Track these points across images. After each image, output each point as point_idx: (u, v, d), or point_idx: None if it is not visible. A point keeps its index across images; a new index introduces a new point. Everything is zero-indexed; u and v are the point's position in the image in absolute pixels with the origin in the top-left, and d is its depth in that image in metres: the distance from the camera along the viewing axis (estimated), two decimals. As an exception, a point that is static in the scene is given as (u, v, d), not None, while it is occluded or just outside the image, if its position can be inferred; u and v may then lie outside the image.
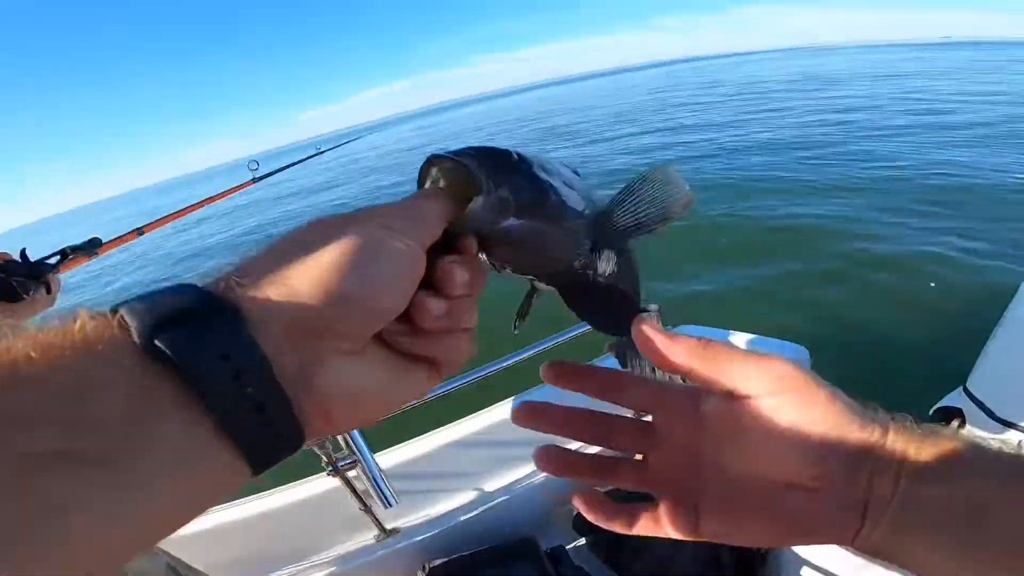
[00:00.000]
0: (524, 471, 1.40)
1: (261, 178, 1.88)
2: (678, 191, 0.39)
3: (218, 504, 0.27)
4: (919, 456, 0.31)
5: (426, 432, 1.45)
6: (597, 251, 0.39)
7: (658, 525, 0.36)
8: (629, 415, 0.39)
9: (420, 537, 1.26)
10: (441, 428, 1.45)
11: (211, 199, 1.75)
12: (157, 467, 0.22)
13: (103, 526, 0.20)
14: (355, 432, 1.13)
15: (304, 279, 0.26)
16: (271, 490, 1.30)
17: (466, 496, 1.36)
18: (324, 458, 1.07)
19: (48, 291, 0.94)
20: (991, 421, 1.39)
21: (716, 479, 0.35)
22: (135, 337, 0.22)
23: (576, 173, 0.39)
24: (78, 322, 0.22)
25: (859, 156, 8.01)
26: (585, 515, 0.37)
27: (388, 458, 1.38)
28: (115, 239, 1.39)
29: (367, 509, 1.17)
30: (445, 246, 0.33)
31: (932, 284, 4.03)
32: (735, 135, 11.30)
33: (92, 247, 1.20)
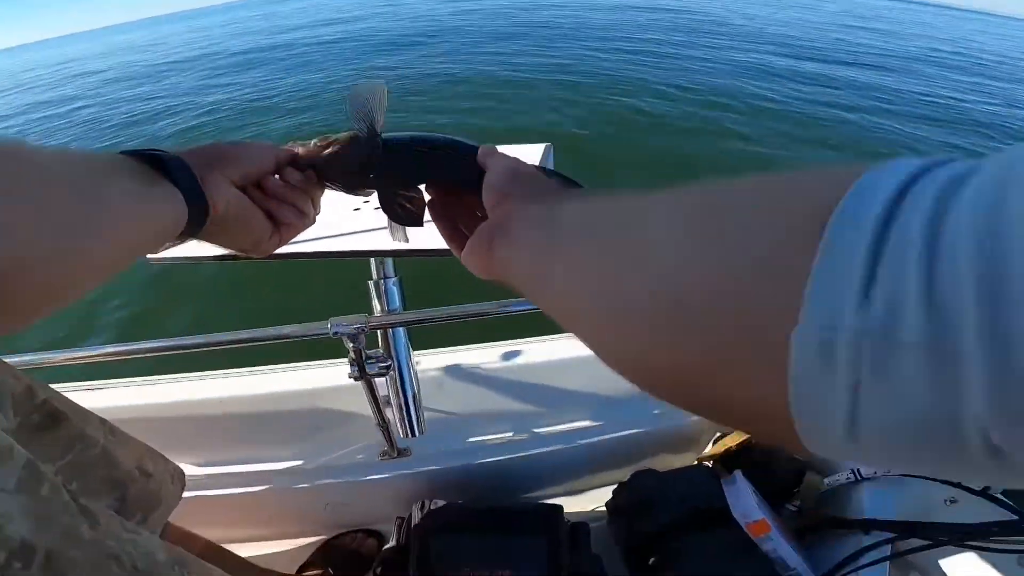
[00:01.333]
0: (575, 426, 1.17)
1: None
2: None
3: (170, 240, 0.50)
4: (545, 194, 0.45)
5: (477, 344, 1.19)
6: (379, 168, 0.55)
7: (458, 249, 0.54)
8: None
9: (431, 467, 1.06)
10: (494, 344, 1.19)
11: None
12: (145, 192, 0.46)
13: (126, 219, 0.45)
14: (399, 332, 0.88)
15: (209, 150, 0.54)
16: (286, 365, 1.09)
17: (499, 433, 1.13)
18: (351, 353, 0.84)
19: None
20: None
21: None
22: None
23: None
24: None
25: None
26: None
27: (425, 360, 1.14)
28: None
29: (383, 425, 0.95)
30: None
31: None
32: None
33: None
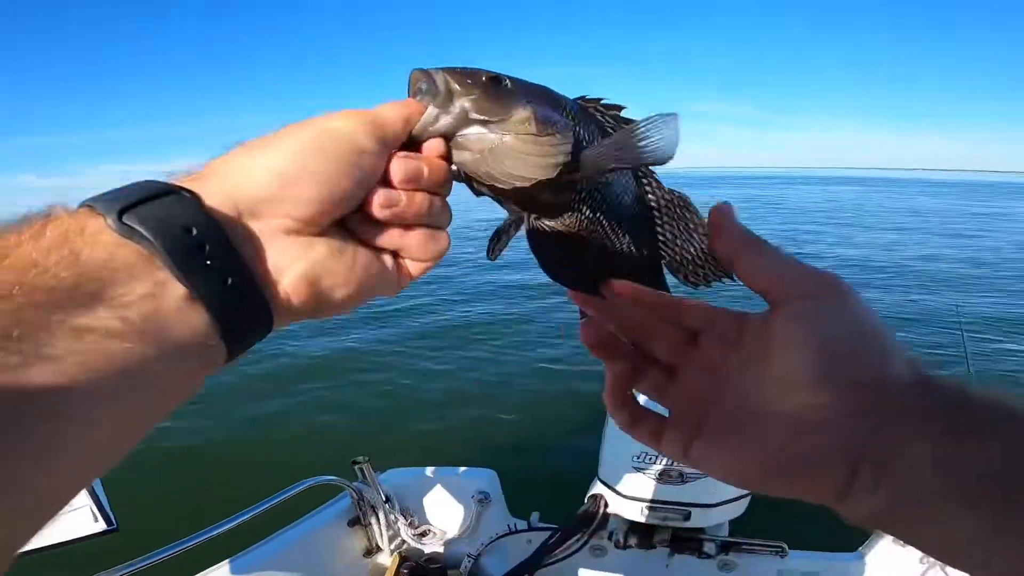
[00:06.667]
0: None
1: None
2: (669, 140, 0.35)
3: (199, 383, 0.28)
4: (954, 411, 0.26)
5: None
6: (582, 188, 0.37)
7: (656, 439, 0.35)
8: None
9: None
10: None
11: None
12: (127, 314, 0.24)
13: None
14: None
15: (250, 167, 0.29)
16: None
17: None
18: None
19: None
20: (620, 498, 1.42)
21: (729, 401, 0.32)
22: (109, 221, 0.25)
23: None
24: (58, 219, 0.25)
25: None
26: (611, 404, 0.36)
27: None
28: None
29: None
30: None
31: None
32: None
33: None
